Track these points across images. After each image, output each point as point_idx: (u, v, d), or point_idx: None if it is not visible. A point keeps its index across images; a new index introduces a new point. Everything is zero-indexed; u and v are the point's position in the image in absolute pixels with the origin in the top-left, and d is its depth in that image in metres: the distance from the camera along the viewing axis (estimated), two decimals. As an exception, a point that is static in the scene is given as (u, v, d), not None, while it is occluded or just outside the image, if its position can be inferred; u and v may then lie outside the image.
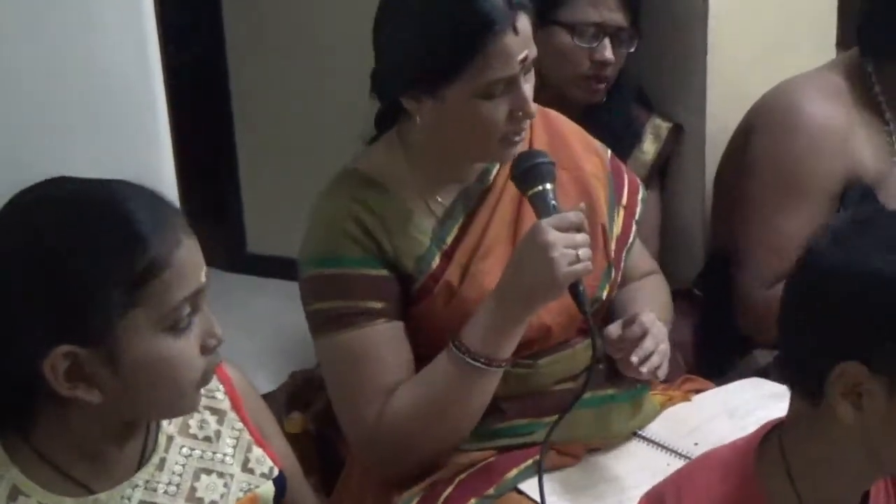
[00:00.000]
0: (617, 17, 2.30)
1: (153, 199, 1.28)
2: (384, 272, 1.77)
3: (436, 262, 1.80)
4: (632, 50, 2.35)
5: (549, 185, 1.73)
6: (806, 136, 2.19)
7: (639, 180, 2.06)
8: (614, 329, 1.81)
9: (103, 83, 1.62)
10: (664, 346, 1.80)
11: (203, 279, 1.28)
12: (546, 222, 1.68)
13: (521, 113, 1.72)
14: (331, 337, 1.78)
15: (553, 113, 1.95)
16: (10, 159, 1.35)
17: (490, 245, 1.82)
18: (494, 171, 1.86)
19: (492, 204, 1.84)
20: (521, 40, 1.68)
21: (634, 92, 2.47)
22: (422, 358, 1.79)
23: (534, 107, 1.74)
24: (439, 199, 1.83)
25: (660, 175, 2.51)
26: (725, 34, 2.44)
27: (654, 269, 2.11)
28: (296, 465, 1.60)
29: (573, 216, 1.70)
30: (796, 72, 2.32)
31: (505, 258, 1.78)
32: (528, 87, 1.73)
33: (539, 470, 1.74)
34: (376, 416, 1.75)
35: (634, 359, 1.75)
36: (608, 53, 2.29)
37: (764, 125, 2.28)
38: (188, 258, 1.26)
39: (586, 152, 1.95)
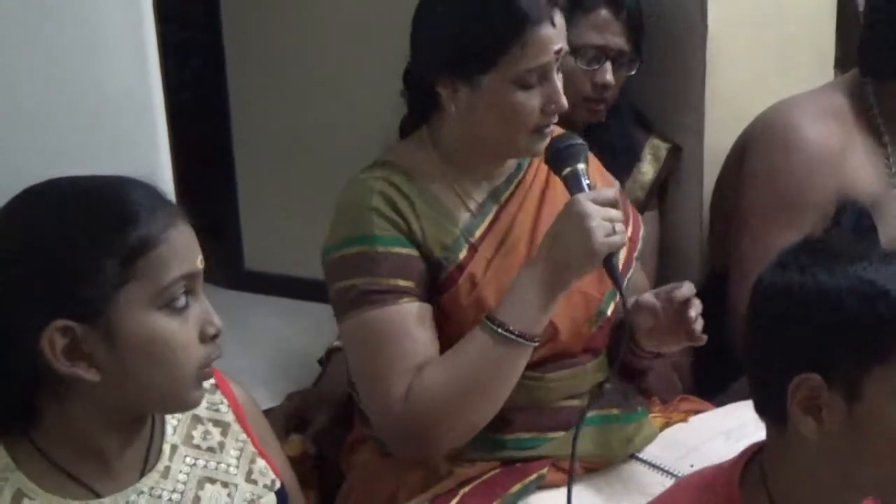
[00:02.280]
0: (619, 41, 2.32)
1: (150, 187, 1.31)
2: (413, 252, 1.79)
3: (463, 253, 1.81)
4: (632, 73, 2.36)
5: (581, 165, 1.77)
6: (801, 154, 2.20)
7: (640, 218, 2.08)
8: (649, 298, 1.83)
9: (104, 99, 1.63)
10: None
11: (199, 265, 1.30)
12: (583, 195, 1.71)
13: (552, 105, 1.76)
14: (358, 315, 1.77)
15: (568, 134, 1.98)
16: (10, 174, 1.35)
17: (513, 243, 1.85)
18: (521, 174, 1.89)
19: (518, 202, 1.88)
20: (557, 32, 1.75)
21: (633, 112, 2.48)
22: (443, 350, 1.78)
23: (564, 100, 1.77)
24: (472, 195, 1.86)
25: (658, 195, 2.52)
26: (724, 55, 2.45)
27: (647, 287, 2.12)
28: (294, 481, 1.60)
29: (609, 192, 1.74)
30: (794, 92, 2.33)
31: (523, 256, 1.82)
32: (558, 78, 1.77)
33: (569, 481, 1.72)
34: (405, 395, 1.74)
35: (692, 313, 1.77)
36: (609, 77, 2.31)
37: (760, 142, 2.29)
38: (183, 239, 1.28)
39: (602, 180, 1.98)
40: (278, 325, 3.28)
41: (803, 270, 1.25)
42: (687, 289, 1.80)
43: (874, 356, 1.21)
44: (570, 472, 1.72)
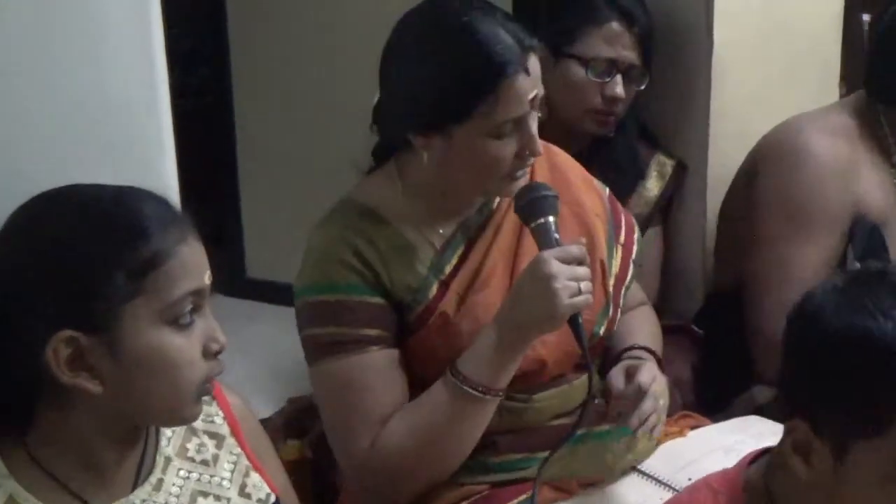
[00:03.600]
0: (630, 55, 2.32)
1: (164, 201, 1.31)
2: (380, 300, 1.77)
3: (432, 292, 1.79)
4: (642, 87, 2.36)
5: (551, 218, 1.73)
6: (812, 169, 2.20)
7: (634, 220, 2.07)
8: (616, 380, 1.83)
9: (110, 106, 1.62)
10: (663, 402, 1.83)
11: (207, 281, 1.30)
12: (549, 254, 1.68)
13: (527, 151, 1.74)
14: (325, 364, 1.77)
15: (554, 149, 1.96)
16: (16, 181, 1.35)
17: (487, 276, 1.82)
18: (494, 204, 1.86)
19: (490, 235, 1.85)
20: (531, 81, 1.70)
21: (639, 128, 2.48)
22: (416, 388, 1.79)
23: (540, 145, 1.75)
24: (440, 231, 1.83)
25: (663, 212, 2.51)
26: (729, 71, 2.45)
27: (643, 298, 2.12)
28: (291, 491, 1.60)
29: (576, 249, 1.70)
30: (799, 110, 2.33)
31: (501, 290, 1.79)
32: (534, 124, 1.74)
33: (533, 498, 1.74)
34: (370, 445, 1.75)
35: (634, 421, 1.77)
36: (619, 90, 2.31)
37: (770, 161, 2.29)
38: (192, 255, 1.28)
39: (587, 189, 1.96)
40: (279, 333, 3.27)
41: (828, 316, 1.22)
42: (636, 388, 1.79)
43: (864, 424, 1.18)
44: (534, 495, 1.73)
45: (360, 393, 1.75)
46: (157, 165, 1.68)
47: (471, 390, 1.71)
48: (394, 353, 1.78)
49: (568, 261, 1.68)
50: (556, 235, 1.73)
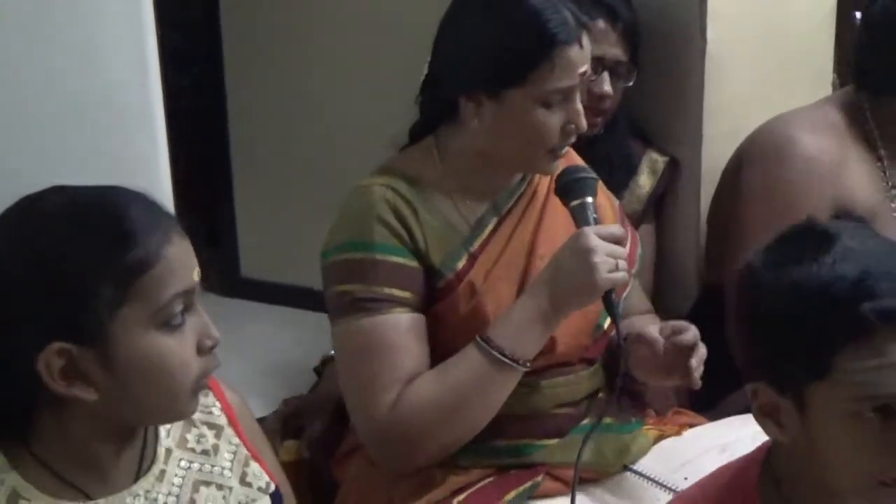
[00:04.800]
0: (616, 52, 2.32)
1: (147, 201, 1.29)
2: (413, 262, 1.79)
3: (462, 262, 1.82)
4: (630, 84, 2.36)
5: (590, 199, 1.78)
6: (797, 165, 2.21)
7: (639, 237, 2.09)
8: (653, 332, 1.83)
9: (104, 106, 1.63)
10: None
11: (196, 278, 1.29)
12: (590, 229, 1.73)
13: (573, 126, 1.78)
14: (350, 321, 1.78)
15: (574, 153, 1.99)
16: (8, 178, 1.35)
17: (511, 255, 1.85)
18: (523, 188, 1.90)
19: (518, 215, 1.89)
20: (584, 54, 1.77)
21: (631, 125, 2.48)
22: (436, 358, 1.80)
23: (584, 121, 1.79)
24: (473, 208, 1.87)
25: (655, 208, 2.52)
26: (722, 70, 2.46)
27: (649, 307, 2.14)
28: (288, 488, 1.60)
29: (615, 229, 1.76)
30: (792, 107, 2.34)
31: (519, 270, 1.83)
32: (581, 103, 1.79)
33: (573, 488, 1.72)
34: (392, 405, 1.75)
35: (694, 362, 1.78)
36: (606, 87, 2.32)
37: (756, 156, 2.30)
38: (179, 255, 1.27)
39: (604, 198, 1.98)
40: (274, 333, 3.28)
41: (769, 267, 1.24)
42: (692, 335, 1.80)
43: (810, 368, 1.20)
44: (574, 485, 1.72)
45: (385, 351, 1.76)
46: (151, 165, 1.68)
47: (501, 356, 1.74)
48: (420, 318, 1.80)
49: (608, 238, 1.72)
50: (595, 216, 1.77)
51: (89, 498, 1.31)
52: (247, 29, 3.61)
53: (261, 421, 1.79)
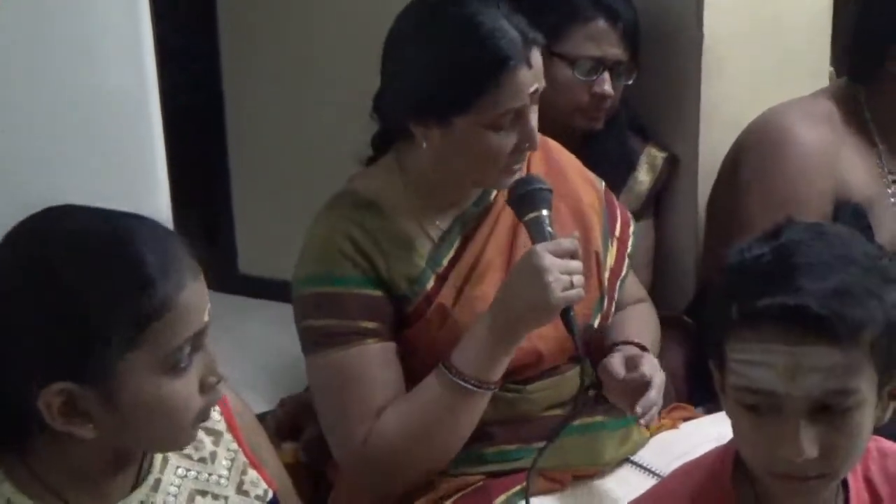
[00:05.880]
0: (617, 52, 2.32)
1: (162, 238, 1.25)
2: (378, 292, 1.77)
3: (430, 284, 1.80)
4: (630, 82, 2.36)
5: (545, 212, 1.74)
6: (795, 157, 2.21)
7: (629, 214, 2.07)
8: (616, 367, 1.82)
9: (100, 103, 1.63)
10: (661, 395, 1.82)
11: (206, 318, 1.26)
12: (542, 247, 1.69)
13: (526, 144, 1.74)
14: (321, 355, 1.77)
15: (551, 142, 1.97)
16: (4, 179, 1.35)
17: (484, 269, 1.82)
18: (491, 197, 1.87)
19: (488, 229, 1.85)
20: (533, 74, 1.72)
21: (630, 121, 2.48)
22: (414, 380, 1.79)
23: (538, 139, 1.76)
24: (437, 223, 1.84)
25: (653, 204, 2.52)
26: (719, 65, 2.45)
27: (643, 296, 2.12)
28: (289, 486, 1.60)
29: (568, 243, 1.71)
30: (789, 101, 2.34)
31: (498, 283, 1.79)
32: (533, 117, 1.75)
33: (526, 496, 1.74)
34: (364, 437, 1.75)
35: (638, 409, 1.76)
36: (607, 87, 2.31)
37: (753, 148, 2.29)
38: (192, 299, 1.24)
39: (582, 182, 1.96)
40: (272, 330, 3.27)
41: None
42: (641, 374, 1.79)
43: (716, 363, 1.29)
44: (528, 487, 1.72)
45: (355, 385, 1.76)
46: (148, 162, 1.68)
47: (463, 383, 1.72)
48: (390, 346, 1.79)
49: (560, 254, 1.68)
50: (550, 229, 1.73)
51: None
52: (244, 26, 3.60)
53: (259, 418, 1.78)
